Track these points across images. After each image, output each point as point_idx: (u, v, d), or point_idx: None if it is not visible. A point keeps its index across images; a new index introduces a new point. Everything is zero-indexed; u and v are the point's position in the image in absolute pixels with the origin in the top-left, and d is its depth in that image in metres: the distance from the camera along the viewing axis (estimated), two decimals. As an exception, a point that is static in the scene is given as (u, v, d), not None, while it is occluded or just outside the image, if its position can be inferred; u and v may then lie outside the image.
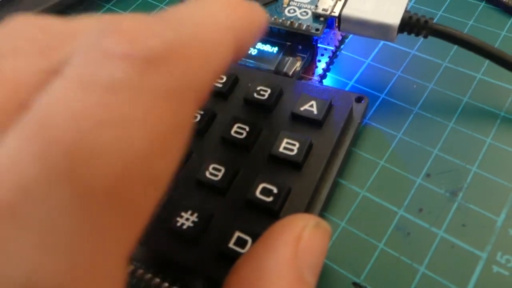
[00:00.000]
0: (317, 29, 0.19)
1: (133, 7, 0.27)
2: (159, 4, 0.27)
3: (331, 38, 0.22)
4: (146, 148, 0.08)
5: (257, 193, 0.16)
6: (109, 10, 0.27)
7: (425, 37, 0.18)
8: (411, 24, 0.18)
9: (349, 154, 0.18)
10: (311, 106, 0.17)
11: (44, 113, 0.08)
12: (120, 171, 0.08)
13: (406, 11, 0.18)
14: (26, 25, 0.11)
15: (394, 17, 0.18)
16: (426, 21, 0.18)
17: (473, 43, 0.18)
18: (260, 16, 0.13)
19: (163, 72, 0.09)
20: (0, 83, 0.10)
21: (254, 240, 0.15)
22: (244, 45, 0.12)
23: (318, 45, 0.21)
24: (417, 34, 0.18)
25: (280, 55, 0.20)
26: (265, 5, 0.21)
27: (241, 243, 0.15)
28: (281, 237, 0.12)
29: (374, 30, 0.18)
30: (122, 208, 0.08)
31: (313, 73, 0.21)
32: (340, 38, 0.22)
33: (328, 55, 0.21)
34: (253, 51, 0.21)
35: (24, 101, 0.09)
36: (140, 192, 0.08)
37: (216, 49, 0.10)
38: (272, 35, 0.21)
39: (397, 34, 0.18)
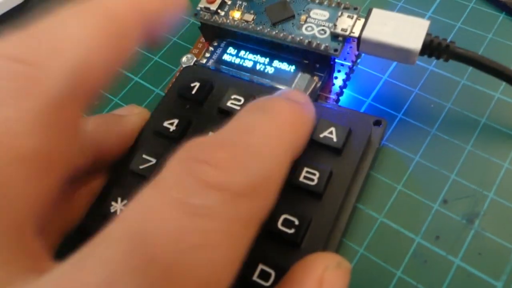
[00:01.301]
0: (335, 50, 0.19)
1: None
2: (170, 9, 0.26)
3: (348, 53, 0.22)
4: (226, 267, 0.10)
5: (279, 224, 0.16)
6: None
7: (446, 60, 0.18)
8: (432, 48, 0.18)
9: (367, 178, 0.18)
10: (331, 133, 0.18)
11: (143, 228, 0.09)
12: (204, 285, 0.09)
13: (427, 34, 0.18)
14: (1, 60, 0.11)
15: (415, 41, 0.18)
16: (447, 45, 0.18)
17: (493, 67, 0.18)
18: (312, 119, 0.14)
19: (246, 204, 0.10)
20: None
21: (277, 273, 0.15)
22: (299, 154, 0.13)
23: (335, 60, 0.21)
24: (437, 58, 0.18)
25: (298, 74, 0.20)
26: (281, 21, 0.20)
27: (264, 276, 0.15)
28: (304, 281, 0.13)
29: (395, 53, 0.18)
30: None
31: (330, 91, 0.21)
32: (357, 53, 0.22)
33: (345, 71, 0.21)
34: (270, 70, 0.21)
35: (21, 152, 0.10)
36: None
37: (284, 173, 0.12)
38: (289, 53, 0.21)
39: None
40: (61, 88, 0.11)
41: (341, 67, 0.21)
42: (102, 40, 0.12)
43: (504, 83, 0.20)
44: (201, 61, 0.22)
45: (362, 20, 0.19)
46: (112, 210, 0.17)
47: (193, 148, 0.11)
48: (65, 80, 0.11)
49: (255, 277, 0.15)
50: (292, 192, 0.17)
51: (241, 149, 0.11)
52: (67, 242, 0.17)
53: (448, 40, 0.18)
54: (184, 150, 0.11)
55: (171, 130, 0.18)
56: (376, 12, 0.19)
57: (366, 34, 0.18)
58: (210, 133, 0.13)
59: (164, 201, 0.09)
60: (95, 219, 0.17)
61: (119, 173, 0.18)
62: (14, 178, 0.10)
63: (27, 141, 0.10)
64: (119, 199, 0.17)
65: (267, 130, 0.12)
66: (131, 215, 0.10)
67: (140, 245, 0.09)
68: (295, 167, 0.17)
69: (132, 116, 0.19)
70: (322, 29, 0.20)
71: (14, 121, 0.10)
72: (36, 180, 0.10)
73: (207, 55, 0.22)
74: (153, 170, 0.17)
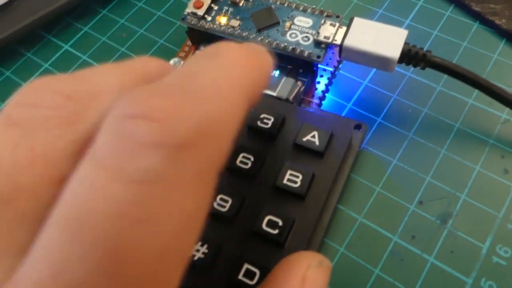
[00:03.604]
0: (318, 56, 0.20)
1: (129, 14, 0.27)
2: (156, 12, 0.27)
3: (330, 59, 0.22)
4: (179, 235, 0.09)
5: (264, 225, 0.17)
6: (105, 16, 0.27)
7: (423, 68, 0.19)
8: (410, 57, 0.19)
9: (347, 180, 0.19)
10: (313, 136, 0.18)
11: (81, 209, 0.08)
12: (156, 261, 0.08)
13: (405, 43, 0.19)
14: (50, 92, 0.11)
15: (394, 50, 0.19)
16: (424, 54, 0.19)
17: (466, 76, 0.19)
18: (269, 65, 0.13)
19: (192, 155, 0.09)
20: (31, 162, 0.10)
21: (262, 272, 0.16)
22: (254, 99, 0.12)
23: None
24: (415, 66, 0.19)
25: (283, 79, 0.21)
26: (267, 27, 0.21)
27: (250, 275, 0.16)
28: (288, 278, 0.14)
29: (374, 61, 0.19)
30: None
31: (313, 95, 0.22)
32: (339, 58, 0.22)
33: (327, 76, 0.22)
34: (255, 74, 0.21)
35: (56, 179, 0.10)
36: (172, 274, 0.09)
37: (237, 117, 0.11)
38: (274, 58, 0.21)
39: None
40: (96, 123, 0.11)
41: (324, 72, 0.22)
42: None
43: (476, 90, 0.21)
44: (187, 65, 0.22)
45: (344, 28, 0.20)
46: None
47: (126, 102, 0.09)
48: (100, 116, 0.11)
49: (240, 276, 0.16)
50: (276, 194, 0.18)
51: (181, 94, 0.10)
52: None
53: (425, 48, 0.19)
54: (116, 107, 0.09)
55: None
56: (357, 21, 0.20)
57: (348, 42, 0.19)
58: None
59: (99, 173, 0.08)
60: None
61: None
62: (43, 196, 0.10)
63: (62, 169, 0.10)
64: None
65: (214, 72, 0.11)
66: (67, 195, 0.09)
67: (80, 229, 0.08)
68: (279, 170, 0.18)
69: None
70: (306, 36, 0.21)
71: (53, 149, 0.10)
72: (52, 200, 0.10)
73: (194, 59, 0.22)
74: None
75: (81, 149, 0.11)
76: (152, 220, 0.08)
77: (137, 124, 0.09)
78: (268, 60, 0.13)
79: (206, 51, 0.12)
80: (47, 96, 0.11)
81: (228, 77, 0.11)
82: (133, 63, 0.13)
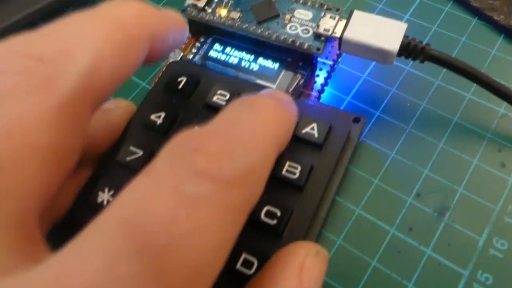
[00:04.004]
0: (318, 49, 0.20)
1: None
2: (156, 4, 0.27)
3: (329, 52, 0.22)
4: (216, 251, 0.10)
5: (262, 215, 0.17)
6: (105, 8, 0.27)
7: (422, 62, 0.19)
8: (409, 50, 0.19)
9: (345, 172, 0.19)
10: (312, 128, 0.18)
11: (137, 215, 0.09)
12: (197, 268, 0.09)
13: (404, 36, 0.19)
14: (18, 56, 0.11)
15: (393, 43, 0.19)
16: (423, 48, 0.19)
17: (465, 70, 0.19)
18: (296, 118, 0.15)
19: (236, 191, 0.10)
20: (7, 132, 0.10)
21: (259, 261, 0.16)
22: (283, 148, 0.14)
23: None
24: (414, 59, 0.19)
25: (282, 72, 0.21)
26: (267, 20, 0.21)
27: (248, 264, 0.16)
28: (286, 267, 0.14)
29: (373, 53, 0.19)
30: None
31: (312, 88, 0.22)
32: (338, 52, 0.23)
33: (326, 69, 0.22)
34: (255, 67, 0.21)
35: (38, 148, 0.10)
36: (206, 283, 0.10)
37: (270, 165, 0.12)
38: (274, 50, 0.21)
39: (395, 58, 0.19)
40: (73, 88, 0.11)
41: (323, 65, 0.22)
42: (110, 46, 0.13)
43: (475, 84, 0.21)
44: (187, 57, 0.22)
45: (344, 21, 0.20)
46: (99, 200, 0.17)
47: (185, 138, 0.11)
48: (76, 81, 0.11)
49: (238, 265, 0.16)
50: (275, 185, 0.18)
51: (230, 140, 0.11)
52: (54, 232, 0.17)
53: (424, 43, 0.19)
54: (176, 140, 0.11)
55: (158, 123, 0.19)
56: (357, 14, 0.20)
57: (347, 35, 0.19)
58: (196, 127, 0.14)
59: (157, 189, 0.10)
60: (81, 209, 0.18)
61: (106, 165, 0.18)
62: (26, 169, 0.10)
63: (40, 136, 0.10)
64: (106, 190, 0.18)
65: (253, 124, 0.12)
66: (125, 202, 0.10)
67: (135, 231, 0.09)
68: (278, 161, 0.18)
69: (119, 110, 0.19)
70: (306, 29, 0.21)
71: (30, 117, 0.10)
72: (45, 173, 0.11)
73: (194, 50, 0.22)
74: (140, 161, 0.18)
75: (63, 116, 0.11)
76: (197, 233, 0.09)
77: (195, 156, 0.10)
78: (295, 111, 0.15)
79: (243, 101, 0.13)
80: (15, 60, 0.11)
81: (264, 130, 0.13)
82: (106, 10, 0.13)
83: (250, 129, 0.12)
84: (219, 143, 0.11)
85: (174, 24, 0.16)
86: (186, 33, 0.17)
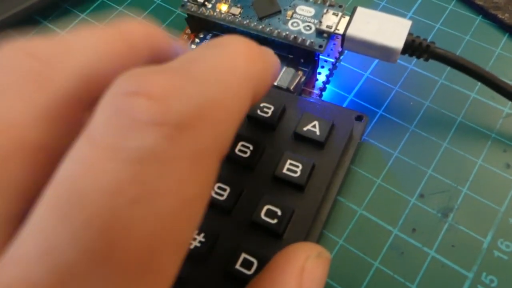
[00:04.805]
0: (320, 46, 0.20)
1: (127, 2, 0.26)
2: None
3: (331, 50, 0.22)
4: (175, 219, 0.08)
5: (262, 215, 0.16)
6: (103, 4, 0.27)
7: (426, 60, 0.19)
8: (413, 48, 0.19)
9: (348, 172, 0.19)
10: (314, 126, 0.18)
11: (75, 187, 0.08)
12: (152, 244, 0.08)
13: (409, 34, 0.18)
14: (13, 52, 0.11)
15: (397, 40, 0.18)
16: (428, 45, 0.18)
17: (470, 68, 0.19)
18: (275, 64, 0.13)
19: (191, 136, 0.09)
20: None
21: (259, 262, 0.15)
22: (259, 94, 0.12)
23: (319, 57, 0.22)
24: (418, 57, 0.19)
25: (283, 69, 0.21)
26: (268, 16, 0.21)
27: (247, 264, 0.16)
28: (286, 269, 0.13)
29: (377, 51, 0.19)
30: (153, 277, 0.08)
31: (314, 86, 0.21)
32: (340, 49, 0.22)
33: (328, 67, 0.22)
34: (255, 63, 0.21)
35: (28, 145, 0.10)
36: (168, 261, 0.09)
37: (239, 105, 0.10)
38: (275, 47, 0.21)
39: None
40: (66, 86, 0.11)
41: (325, 63, 0.22)
42: (110, 51, 0.12)
43: (479, 83, 0.21)
44: (186, 53, 0.22)
45: (347, 17, 0.20)
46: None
47: (125, 79, 0.09)
48: (70, 80, 0.11)
49: (237, 266, 0.16)
50: (275, 184, 0.17)
51: (183, 75, 0.09)
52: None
53: (428, 41, 0.19)
54: (115, 85, 0.09)
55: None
56: (360, 11, 0.19)
57: (351, 31, 0.19)
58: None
59: (96, 151, 0.08)
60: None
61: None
62: (12, 167, 0.10)
63: (30, 134, 0.10)
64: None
65: (217, 59, 0.11)
66: (61, 174, 0.08)
67: (73, 206, 0.08)
68: (279, 159, 0.17)
69: None
70: (308, 25, 0.20)
71: (20, 113, 0.10)
72: (33, 171, 0.10)
73: (193, 46, 0.22)
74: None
75: (55, 113, 0.10)
76: (147, 200, 0.08)
77: (135, 101, 0.08)
78: (274, 59, 0.13)
79: (212, 41, 0.11)
80: (9, 57, 0.11)
81: (231, 65, 0.11)
82: (109, 25, 0.13)
83: (212, 63, 0.10)
84: (166, 80, 0.09)
85: (176, 44, 0.15)
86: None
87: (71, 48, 0.11)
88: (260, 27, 0.20)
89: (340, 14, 0.20)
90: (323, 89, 0.21)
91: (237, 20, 0.21)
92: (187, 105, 0.09)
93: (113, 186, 0.08)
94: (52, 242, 0.07)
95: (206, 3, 0.21)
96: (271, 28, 0.20)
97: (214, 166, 0.10)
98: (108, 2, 0.27)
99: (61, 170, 0.08)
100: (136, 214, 0.08)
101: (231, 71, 0.11)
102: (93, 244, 0.07)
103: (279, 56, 0.21)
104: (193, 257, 0.16)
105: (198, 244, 0.16)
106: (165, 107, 0.08)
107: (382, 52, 0.19)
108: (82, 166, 0.08)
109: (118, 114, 0.08)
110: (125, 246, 0.08)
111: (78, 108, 0.12)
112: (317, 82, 0.21)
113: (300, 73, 0.21)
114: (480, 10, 0.24)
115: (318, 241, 0.18)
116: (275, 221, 0.16)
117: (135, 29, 0.13)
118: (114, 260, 0.08)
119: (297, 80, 0.20)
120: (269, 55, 0.13)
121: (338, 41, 0.21)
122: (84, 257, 0.07)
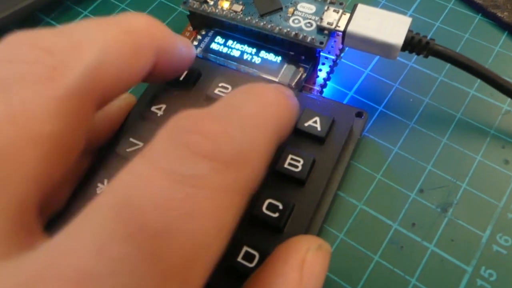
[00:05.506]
0: (321, 42, 0.20)
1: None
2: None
3: (332, 47, 0.22)
4: (214, 235, 0.10)
5: (264, 208, 0.16)
6: (105, 1, 0.27)
7: (426, 57, 0.19)
8: (413, 44, 0.19)
9: (348, 167, 0.19)
10: (315, 122, 0.18)
11: (132, 197, 0.09)
12: (192, 253, 0.09)
13: (409, 31, 0.19)
14: (27, 46, 0.11)
15: (397, 37, 0.18)
16: (427, 42, 0.19)
17: (469, 65, 0.19)
18: (296, 108, 0.14)
19: (235, 173, 0.10)
20: (11, 118, 0.10)
21: (261, 255, 0.16)
22: (283, 138, 0.14)
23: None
24: (418, 54, 0.19)
25: (284, 65, 0.21)
26: (269, 13, 0.21)
27: (249, 257, 0.16)
28: (287, 261, 0.13)
29: (377, 48, 0.19)
30: (188, 281, 0.09)
31: (314, 83, 0.21)
32: (341, 46, 0.22)
33: (329, 64, 0.22)
34: (257, 60, 0.21)
35: (39, 136, 0.10)
36: (202, 269, 0.10)
37: (270, 149, 0.12)
38: (276, 44, 0.21)
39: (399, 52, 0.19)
40: (78, 80, 0.11)
41: (326, 60, 0.22)
42: (118, 46, 0.13)
43: (479, 80, 0.21)
44: (188, 49, 0.22)
45: (347, 14, 0.20)
46: (98, 192, 0.17)
47: (182, 119, 0.11)
48: (82, 74, 0.12)
49: (239, 258, 0.16)
50: (277, 178, 0.17)
51: (229, 122, 0.11)
52: (51, 224, 0.17)
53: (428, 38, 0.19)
54: (173, 121, 0.11)
55: (158, 114, 0.18)
56: (361, 8, 0.19)
57: (351, 28, 0.19)
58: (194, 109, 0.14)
59: (153, 170, 0.09)
60: (81, 200, 0.17)
61: (105, 156, 0.18)
62: (27, 157, 0.10)
63: (43, 125, 0.11)
64: (105, 181, 0.17)
65: (253, 107, 0.12)
66: (120, 184, 0.10)
67: (129, 213, 0.09)
68: (280, 154, 0.17)
69: (119, 101, 0.19)
70: (309, 22, 0.20)
71: (34, 105, 0.11)
72: (46, 162, 0.11)
73: (195, 43, 0.22)
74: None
75: (68, 107, 0.11)
76: (194, 217, 0.09)
77: (193, 137, 0.10)
78: (296, 103, 0.15)
79: (248, 88, 0.13)
80: (24, 51, 0.11)
81: (264, 114, 0.12)
82: (118, 18, 0.13)
83: (250, 111, 0.12)
84: (217, 124, 0.11)
85: (181, 41, 0.16)
86: (193, 55, 0.17)
87: (81, 44, 0.12)
88: (262, 24, 0.21)
89: (341, 11, 0.20)
90: (323, 85, 0.22)
91: (238, 17, 0.21)
92: (232, 146, 0.10)
93: (168, 201, 0.09)
94: (110, 239, 0.09)
95: (208, 0, 0.21)
96: (272, 25, 0.20)
97: (245, 200, 0.11)
98: (110, -1, 0.27)
99: (117, 180, 0.10)
100: (184, 227, 0.09)
101: (264, 120, 0.12)
102: (145, 245, 0.09)
103: (280, 52, 0.21)
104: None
105: (200, 238, 0.16)
106: (216, 146, 0.10)
107: (382, 49, 0.19)
108: (140, 180, 0.09)
109: (177, 144, 0.10)
110: (171, 252, 0.09)
111: (87, 103, 0.12)
112: (317, 79, 0.22)
113: (301, 69, 0.21)
114: (479, 9, 0.24)
115: (319, 235, 0.18)
116: (276, 215, 0.16)
117: (142, 29, 0.14)
118: (160, 261, 0.09)
119: (298, 77, 0.21)
120: (293, 103, 0.14)
121: (339, 38, 0.21)
122: (136, 256, 0.09)
